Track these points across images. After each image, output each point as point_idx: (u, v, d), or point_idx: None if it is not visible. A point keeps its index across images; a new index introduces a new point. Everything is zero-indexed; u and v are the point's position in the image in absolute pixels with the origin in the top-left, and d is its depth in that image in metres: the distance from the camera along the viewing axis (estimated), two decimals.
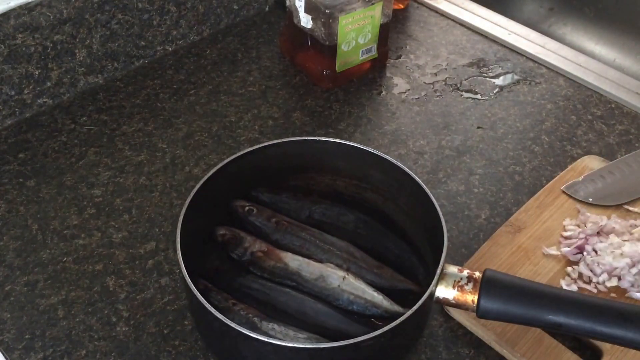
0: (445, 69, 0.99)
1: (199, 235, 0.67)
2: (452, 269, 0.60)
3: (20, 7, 0.81)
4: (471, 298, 0.59)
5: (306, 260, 0.67)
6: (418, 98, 0.94)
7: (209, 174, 0.67)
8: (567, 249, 0.72)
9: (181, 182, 0.81)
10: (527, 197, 0.80)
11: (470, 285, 0.59)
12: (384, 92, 0.95)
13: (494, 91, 0.96)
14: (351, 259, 0.68)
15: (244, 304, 0.64)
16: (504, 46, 1.04)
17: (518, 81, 0.98)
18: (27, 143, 0.85)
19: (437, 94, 0.95)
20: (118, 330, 0.66)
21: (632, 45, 1.20)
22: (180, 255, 0.60)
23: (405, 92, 0.95)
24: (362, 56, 0.94)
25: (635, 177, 0.81)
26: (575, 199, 0.78)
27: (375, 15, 0.90)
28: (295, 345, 0.56)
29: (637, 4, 1.18)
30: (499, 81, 0.98)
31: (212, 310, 0.56)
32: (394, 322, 0.56)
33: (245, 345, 0.58)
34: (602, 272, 0.70)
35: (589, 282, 0.70)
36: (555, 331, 0.64)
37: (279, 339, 0.60)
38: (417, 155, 0.85)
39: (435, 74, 0.98)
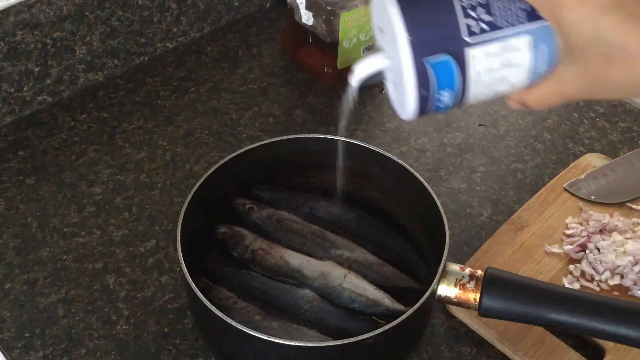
0: None
1: (200, 233, 0.67)
2: (454, 267, 0.60)
3: (20, 3, 0.81)
4: (473, 296, 0.58)
5: (307, 258, 0.67)
6: None
7: (210, 171, 0.66)
8: (569, 247, 0.72)
9: (181, 179, 0.81)
10: (529, 195, 0.79)
11: (472, 283, 0.59)
12: (385, 90, 0.94)
13: None
14: (352, 256, 0.68)
15: (245, 302, 0.64)
16: None
17: None
18: (26, 141, 0.84)
19: None
20: (118, 329, 0.66)
21: None
22: (181, 253, 0.59)
23: None
24: (363, 53, 0.93)
25: (638, 174, 0.80)
26: (577, 196, 0.78)
27: None
28: (297, 343, 0.56)
29: None
30: None
31: (213, 308, 0.56)
32: (396, 321, 0.56)
33: (246, 343, 0.57)
34: (605, 270, 0.69)
35: (592, 280, 0.70)
36: (557, 329, 0.64)
37: (280, 338, 0.60)
38: (419, 153, 0.85)
39: None
